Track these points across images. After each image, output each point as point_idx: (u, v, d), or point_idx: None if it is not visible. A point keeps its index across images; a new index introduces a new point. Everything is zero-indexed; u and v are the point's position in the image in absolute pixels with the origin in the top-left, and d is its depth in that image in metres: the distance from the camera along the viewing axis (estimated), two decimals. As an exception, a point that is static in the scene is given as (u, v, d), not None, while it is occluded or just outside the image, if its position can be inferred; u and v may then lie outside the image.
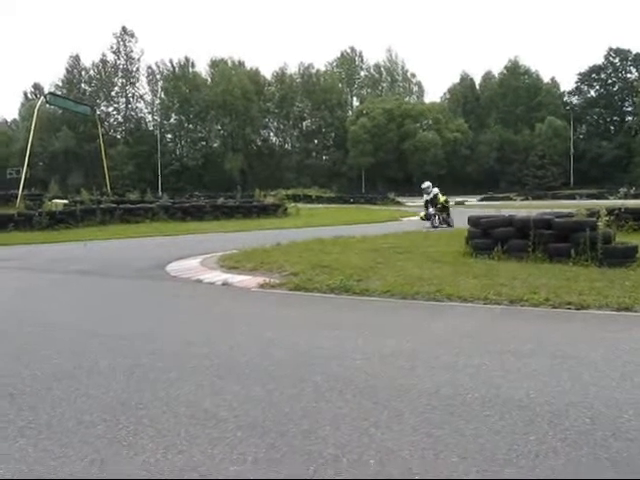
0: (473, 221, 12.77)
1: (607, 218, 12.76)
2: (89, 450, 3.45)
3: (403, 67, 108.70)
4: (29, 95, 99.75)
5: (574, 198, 52.11)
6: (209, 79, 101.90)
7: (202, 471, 3.18)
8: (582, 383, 4.58)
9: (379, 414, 3.97)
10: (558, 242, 11.20)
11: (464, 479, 2.82)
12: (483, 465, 3.19)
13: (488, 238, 12.10)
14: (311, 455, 3.34)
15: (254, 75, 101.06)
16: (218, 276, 10.88)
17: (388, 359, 5.36)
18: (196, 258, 13.45)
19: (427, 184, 24.12)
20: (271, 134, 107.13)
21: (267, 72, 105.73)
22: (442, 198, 23.78)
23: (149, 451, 3.42)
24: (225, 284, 10.15)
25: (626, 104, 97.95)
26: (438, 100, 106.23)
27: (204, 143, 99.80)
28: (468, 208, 37.26)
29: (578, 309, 7.57)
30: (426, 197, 23.74)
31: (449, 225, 22.66)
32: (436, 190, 23.52)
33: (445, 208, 23.80)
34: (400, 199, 56.99)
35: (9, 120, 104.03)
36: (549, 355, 5.43)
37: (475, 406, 4.09)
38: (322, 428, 3.73)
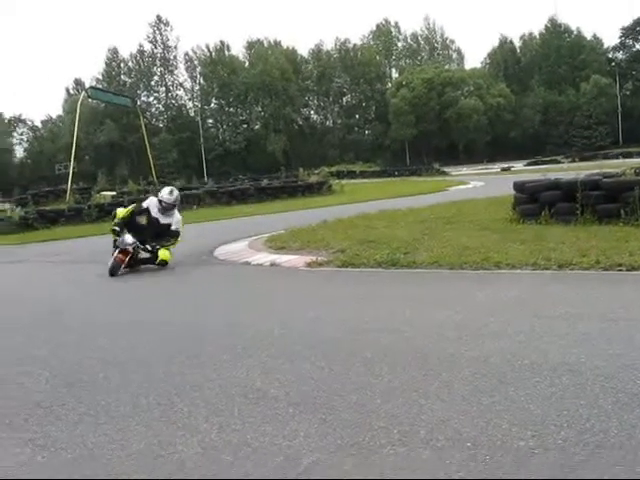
0: (518, 186, 12.59)
1: (657, 176, 12.49)
2: (147, 433, 3.56)
3: (442, 34, 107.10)
4: (71, 91, 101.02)
5: (625, 157, 50.76)
6: (246, 61, 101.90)
7: (255, 446, 3.25)
8: (634, 345, 4.52)
9: (429, 385, 3.99)
10: (607, 203, 10.98)
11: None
12: (534, 430, 3.19)
13: (535, 203, 11.93)
14: (362, 427, 3.39)
15: (291, 54, 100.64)
16: (265, 257, 10.95)
17: (436, 330, 5.36)
18: (243, 241, 13.55)
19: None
20: (312, 112, 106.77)
21: (304, 50, 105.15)
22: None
23: (204, 431, 3.51)
24: (273, 265, 10.22)
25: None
26: (478, 66, 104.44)
27: (245, 126, 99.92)
28: (514, 174, 36.68)
29: (629, 270, 7.43)
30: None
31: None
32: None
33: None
34: (445, 169, 56.36)
35: (54, 117, 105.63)
36: (599, 318, 5.37)
37: (525, 372, 4.08)
38: (372, 401, 3.77)
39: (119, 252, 10.77)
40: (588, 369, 4.04)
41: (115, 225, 11.22)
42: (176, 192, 11.76)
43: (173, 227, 11.43)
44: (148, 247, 11.03)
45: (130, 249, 10.82)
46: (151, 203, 11.56)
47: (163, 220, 11.41)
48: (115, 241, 11.08)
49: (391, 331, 5.41)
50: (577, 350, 4.46)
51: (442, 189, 28.29)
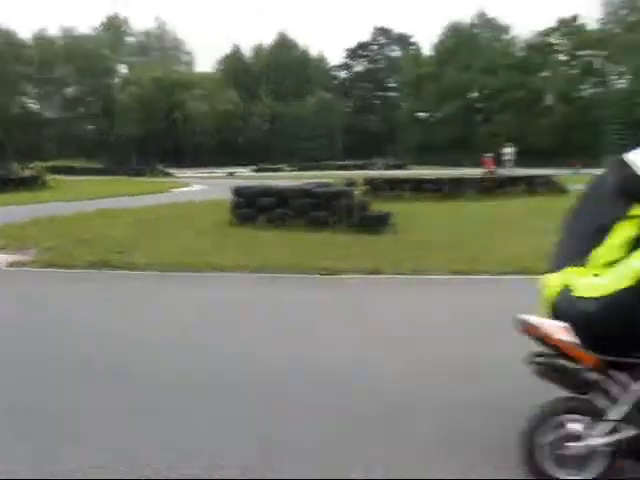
0: (237, 191, 12.80)
1: (364, 188, 13.42)
2: None
3: (174, 36, 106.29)
4: None
5: (344, 169, 54.30)
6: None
7: None
8: (326, 344, 4.71)
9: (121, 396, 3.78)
10: (318, 210, 11.56)
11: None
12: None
13: (252, 208, 12.20)
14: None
15: (8, 37, 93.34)
16: (-40, 256, 9.88)
17: (140, 332, 5.18)
18: None
19: None
20: (30, 101, 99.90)
21: (26, 33, 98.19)
22: None
23: None
24: (-30, 263, 9.26)
25: (390, 80, 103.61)
26: (210, 71, 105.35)
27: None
28: (239, 179, 37.46)
29: (331, 274, 7.82)
30: None
31: None
32: None
33: None
34: (171, 170, 55.90)
35: None
36: (298, 319, 5.59)
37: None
38: None
39: None
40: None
41: None
42: None
43: None
44: None
45: None
46: None
47: None
48: None
49: (91, 335, 5.13)
50: (281, 351, 4.53)
51: (165, 190, 27.92)
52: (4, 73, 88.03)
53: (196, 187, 32.10)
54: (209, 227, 12.11)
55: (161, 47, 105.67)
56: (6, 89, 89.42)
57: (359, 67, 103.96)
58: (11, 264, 8.97)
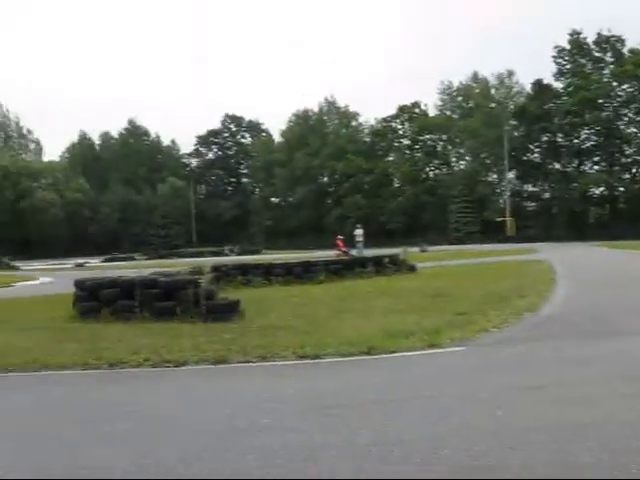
0: (79, 284, 12.38)
1: (211, 275, 13.32)
2: None
3: (17, 123, 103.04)
4: None
5: (199, 256, 53.93)
6: None
7: None
8: (153, 441, 4.61)
9: None
10: (164, 301, 11.35)
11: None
12: None
13: (95, 300, 11.77)
14: None
15: None
16: None
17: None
18: None
19: None
20: None
21: None
22: None
23: None
24: None
25: (242, 166, 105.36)
26: (58, 159, 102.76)
27: None
28: (88, 270, 36.28)
29: (177, 366, 7.64)
30: None
31: None
32: None
33: None
34: (17, 263, 53.34)
35: None
36: (131, 417, 5.38)
37: None
38: None
39: None
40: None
41: None
42: None
43: None
44: None
45: None
46: None
47: None
48: None
49: None
50: (98, 454, 4.33)
51: (6, 284, 26.48)
52: None
53: (42, 280, 30.70)
54: (49, 323, 11.50)
55: (4, 135, 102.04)
56: None
57: (211, 154, 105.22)
58: None
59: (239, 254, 54.92)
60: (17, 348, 8.88)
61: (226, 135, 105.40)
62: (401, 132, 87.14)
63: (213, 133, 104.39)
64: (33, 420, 5.59)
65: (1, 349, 8.82)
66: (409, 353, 7.95)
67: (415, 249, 39.85)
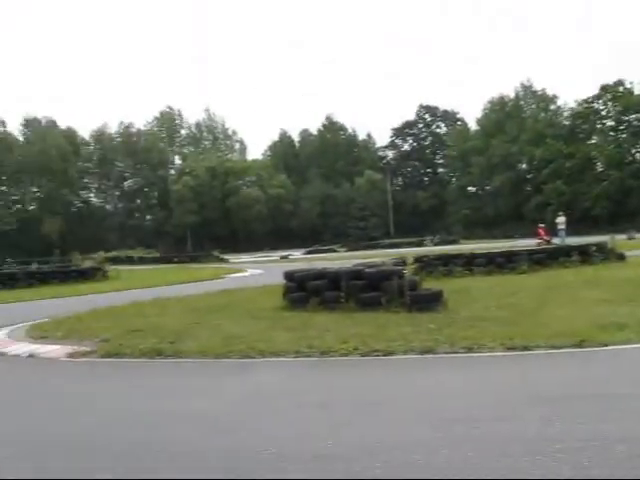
0: (288, 275, 12.94)
1: (414, 266, 13.42)
2: None
3: (223, 125, 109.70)
4: None
5: (397, 247, 54.44)
6: (23, 139, 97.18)
7: None
8: (379, 428, 4.72)
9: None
10: (369, 291, 11.57)
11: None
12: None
13: (303, 291, 12.26)
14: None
15: (70, 135, 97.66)
16: (25, 347, 10.22)
17: (191, 421, 5.28)
18: (2, 330, 12.51)
19: None
20: (91, 195, 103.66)
21: (85, 132, 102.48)
22: None
23: None
24: (31, 355, 9.55)
25: (437, 157, 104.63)
26: (260, 157, 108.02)
27: (19, 206, 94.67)
28: (292, 262, 37.81)
29: (385, 355, 7.77)
30: None
31: None
32: None
33: None
34: (226, 256, 56.78)
35: None
36: (351, 403, 5.54)
37: (272, 461, 4.02)
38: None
39: None
40: (335, 454, 4.07)
41: None
42: None
43: None
44: None
45: None
46: None
47: None
48: None
49: (145, 423, 5.18)
50: (327, 435, 4.52)
51: (219, 276, 28.32)
52: (66, 170, 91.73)
53: (250, 272, 32.47)
54: (261, 313, 12.18)
55: (212, 137, 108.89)
56: (68, 184, 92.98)
57: (406, 145, 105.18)
58: (70, 355, 9.20)
59: (437, 244, 54.56)
60: (235, 335, 9.48)
61: (421, 126, 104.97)
62: (604, 113, 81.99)
63: (408, 124, 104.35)
64: (272, 403, 5.91)
65: (222, 337, 9.48)
66: (624, 346, 7.53)
67: (622, 236, 37.41)
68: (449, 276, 17.35)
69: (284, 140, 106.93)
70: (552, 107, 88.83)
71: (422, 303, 11.07)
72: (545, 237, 35.14)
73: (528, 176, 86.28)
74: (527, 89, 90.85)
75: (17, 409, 6.37)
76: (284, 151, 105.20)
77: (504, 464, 3.83)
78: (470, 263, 18.66)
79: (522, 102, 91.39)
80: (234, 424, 5.10)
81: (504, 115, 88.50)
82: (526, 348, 7.68)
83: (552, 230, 38.30)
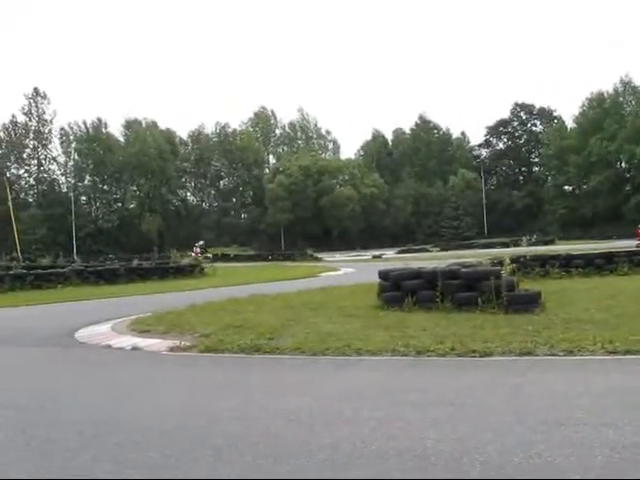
0: (383, 275, 12.98)
1: (511, 266, 13.26)
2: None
3: (316, 125, 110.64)
4: None
5: (491, 247, 53.64)
6: (123, 140, 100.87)
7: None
8: (478, 429, 4.70)
9: (277, 472, 3.96)
10: (465, 291, 11.51)
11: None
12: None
13: (398, 290, 12.29)
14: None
15: (169, 135, 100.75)
16: (128, 340, 10.65)
17: (290, 416, 5.36)
18: (107, 323, 13.07)
19: None
20: (188, 194, 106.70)
21: (182, 132, 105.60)
22: None
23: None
24: (135, 348, 9.95)
25: (532, 155, 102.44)
26: (353, 156, 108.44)
27: (120, 204, 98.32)
28: (385, 261, 37.81)
29: (482, 356, 7.74)
30: None
31: None
32: None
33: None
34: (319, 255, 57.32)
35: None
36: (449, 404, 5.55)
37: (372, 459, 4.12)
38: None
39: None
40: (433, 454, 4.14)
41: None
42: None
43: None
44: None
45: None
46: None
47: None
48: None
49: (245, 418, 5.38)
50: (425, 435, 4.58)
51: (313, 275, 28.64)
52: (164, 169, 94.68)
53: (344, 270, 32.68)
54: (356, 311, 12.27)
55: (305, 137, 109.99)
56: (166, 183, 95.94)
57: (500, 144, 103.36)
58: (171, 349, 9.56)
59: (532, 245, 53.36)
60: (331, 333, 9.61)
61: (516, 124, 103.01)
62: None
63: (503, 123, 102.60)
64: (370, 401, 5.94)
65: (318, 334, 9.65)
66: None
67: None
68: (546, 277, 17.02)
69: (377, 139, 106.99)
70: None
71: (519, 304, 10.93)
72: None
73: (627, 175, 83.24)
74: (626, 85, 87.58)
75: (123, 400, 6.67)
76: (377, 150, 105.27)
77: (607, 470, 3.81)
78: (568, 264, 18.24)
79: (621, 98, 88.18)
80: (333, 421, 5.21)
81: (602, 112, 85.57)
82: (628, 352, 7.50)
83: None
